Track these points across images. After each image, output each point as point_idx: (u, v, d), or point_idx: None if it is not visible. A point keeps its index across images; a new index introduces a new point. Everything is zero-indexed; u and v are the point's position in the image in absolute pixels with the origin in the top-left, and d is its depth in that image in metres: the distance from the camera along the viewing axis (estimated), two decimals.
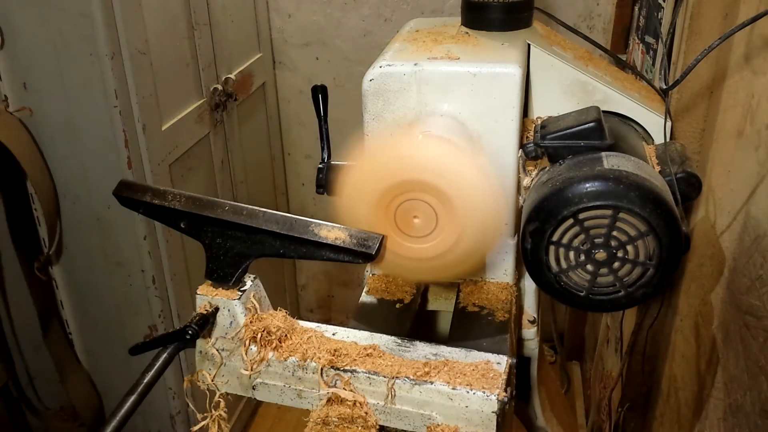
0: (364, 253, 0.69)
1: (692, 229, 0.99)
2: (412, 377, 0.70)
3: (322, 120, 0.95)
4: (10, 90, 1.37)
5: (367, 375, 0.71)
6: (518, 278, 0.97)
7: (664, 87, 1.00)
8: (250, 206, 0.73)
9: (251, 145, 1.98)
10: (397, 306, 0.94)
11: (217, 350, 0.75)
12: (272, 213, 0.72)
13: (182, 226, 0.76)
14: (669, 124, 0.96)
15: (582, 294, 0.79)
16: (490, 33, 0.98)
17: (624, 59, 1.57)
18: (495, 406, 0.68)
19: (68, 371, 1.66)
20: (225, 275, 0.74)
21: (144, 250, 1.49)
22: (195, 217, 0.74)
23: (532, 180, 0.88)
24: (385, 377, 0.70)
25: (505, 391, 0.68)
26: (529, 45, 0.95)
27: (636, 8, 1.59)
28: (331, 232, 0.70)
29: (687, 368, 0.97)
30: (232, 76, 1.77)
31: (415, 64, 0.86)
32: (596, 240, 0.76)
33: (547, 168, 0.86)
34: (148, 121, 1.41)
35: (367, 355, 0.73)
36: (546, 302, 1.83)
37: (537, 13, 1.06)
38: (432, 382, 0.69)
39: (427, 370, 0.71)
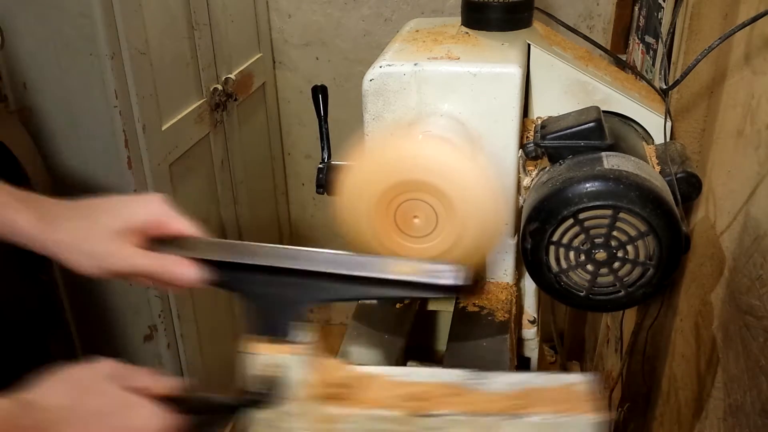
0: (454, 286, 0.62)
1: (692, 229, 0.99)
2: (504, 413, 0.62)
3: (322, 120, 0.95)
4: (10, 90, 1.37)
5: (455, 417, 0.63)
6: (518, 278, 0.97)
7: (664, 87, 1.00)
8: (299, 247, 0.65)
9: (251, 145, 1.98)
10: (397, 306, 0.94)
11: (284, 413, 0.65)
12: (343, 255, 0.65)
13: (219, 278, 0.66)
14: (669, 124, 0.96)
15: (582, 294, 0.79)
16: (490, 33, 0.98)
17: (624, 59, 1.57)
18: (601, 428, 0.61)
19: None
20: (279, 327, 0.64)
21: None
22: (234, 266, 0.65)
23: (532, 180, 0.88)
24: (474, 415, 0.63)
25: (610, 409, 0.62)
26: (529, 45, 0.95)
27: (636, 8, 1.59)
28: (406, 267, 0.63)
29: (687, 368, 0.97)
30: (232, 76, 1.77)
31: (415, 64, 0.86)
32: (596, 240, 0.76)
33: (547, 168, 0.86)
34: (148, 121, 1.41)
35: (451, 395, 0.65)
36: (546, 302, 1.83)
37: (537, 13, 1.06)
38: (529, 415, 0.62)
39: (517, 402, 0.63)
